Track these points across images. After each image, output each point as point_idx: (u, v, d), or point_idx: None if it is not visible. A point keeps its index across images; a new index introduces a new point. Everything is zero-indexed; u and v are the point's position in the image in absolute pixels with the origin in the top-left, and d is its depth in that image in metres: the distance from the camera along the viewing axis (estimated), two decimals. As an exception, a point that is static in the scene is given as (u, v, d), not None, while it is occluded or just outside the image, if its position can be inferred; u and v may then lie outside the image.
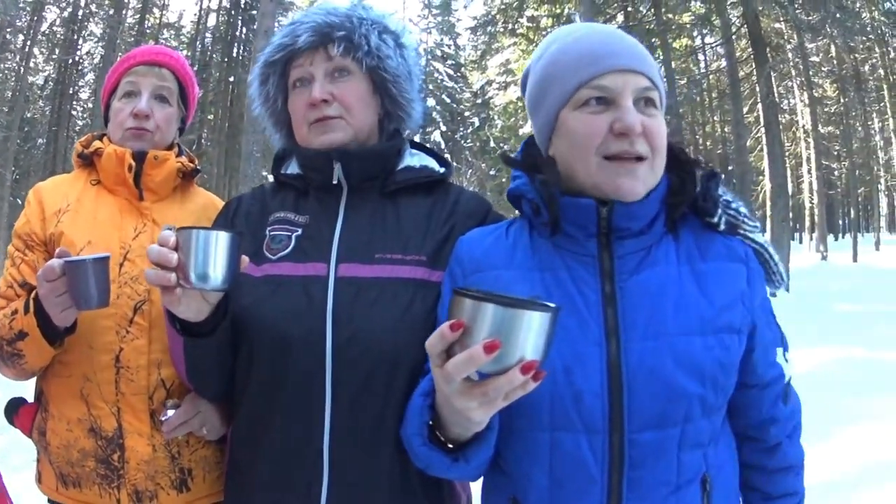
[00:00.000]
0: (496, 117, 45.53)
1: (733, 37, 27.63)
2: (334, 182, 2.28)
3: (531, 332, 1.40)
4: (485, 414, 1.53)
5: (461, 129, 47.53)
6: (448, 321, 1.45)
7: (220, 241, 1.89)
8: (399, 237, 2.23)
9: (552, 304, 1.45)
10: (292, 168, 2.43)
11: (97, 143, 2.71)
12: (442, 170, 2.40)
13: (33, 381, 2.66)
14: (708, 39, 34.62)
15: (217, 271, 1.88)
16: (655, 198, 1.84)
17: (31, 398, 2.65)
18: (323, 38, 2.26)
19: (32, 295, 2.34)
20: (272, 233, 2.31)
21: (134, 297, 2.48)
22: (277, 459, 2.15)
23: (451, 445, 1.75)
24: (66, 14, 40.98)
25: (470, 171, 49.06)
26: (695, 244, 1.91)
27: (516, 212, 2.09)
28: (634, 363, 1.74)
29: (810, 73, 40.13)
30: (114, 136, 2.72)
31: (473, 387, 1.47)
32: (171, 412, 2.40)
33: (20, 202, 38.28)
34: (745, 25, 25.52)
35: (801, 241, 56.28)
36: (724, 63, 30.73)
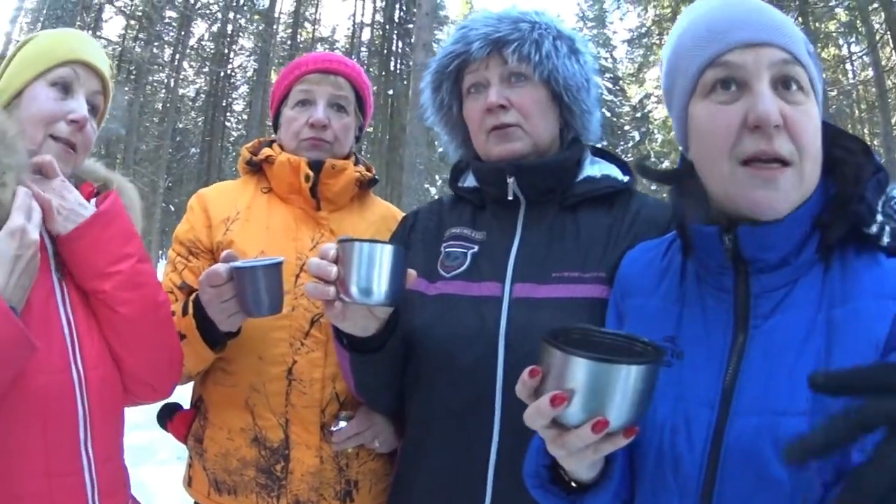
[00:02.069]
0: (656, 131, 44.27)
1: (878, 45, 26.86)
2: (510, 198, 2.21)
3: (613, 386, 1.31)
4: (574, 464, 1.46)
5: (621, 142, 46.17)
6: (530, 367, 1.39)
7: (385, 255, 1.85)
8: (577, 253, 2.11)
9: (657, 350, 1.38)
10: (469, 181, 2.38)
11: (267, 150, 2.66)
12: (625, 178, 2.26)
13: (189, 386, 2.62)
14: (854, 48, 33.63)
15: (381, 286, 1.84)
16: (800, 218, 1.48)
17: (186, 404, 2.66)
18: (497, 44, 2.19)
19: (192, 297, 2.30)
20: (447, 249, 2.26)
21: (311, 309, 2.43)
22: (439, 483, 2.10)
23: (574, 485, 1.60)
24: (214, 28, 41.81)
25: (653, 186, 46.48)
26: (841, 277, 1.49)
27: None
28: (733, 439, 1.46)
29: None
30: (287, 145, 2.66)
31: (557, 437, 1.38)
32: (343, 423, 2.38)
33: (172, 208, 39.46)
34: (889, 32, 24.82)
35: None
36: (871, 73, 29.76)
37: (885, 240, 1.45)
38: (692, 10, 1.61)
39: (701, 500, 1.47)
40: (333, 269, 1.86)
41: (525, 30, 2.18)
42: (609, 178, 2.25)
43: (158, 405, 2.59)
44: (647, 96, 44.55)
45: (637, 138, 46.50)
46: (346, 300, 1.87)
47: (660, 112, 41.42)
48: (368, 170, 2.77)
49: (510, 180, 2.19)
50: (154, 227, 33.57)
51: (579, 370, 1.30)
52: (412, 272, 1.95)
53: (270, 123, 2.90)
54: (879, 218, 1.46)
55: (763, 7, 1.52)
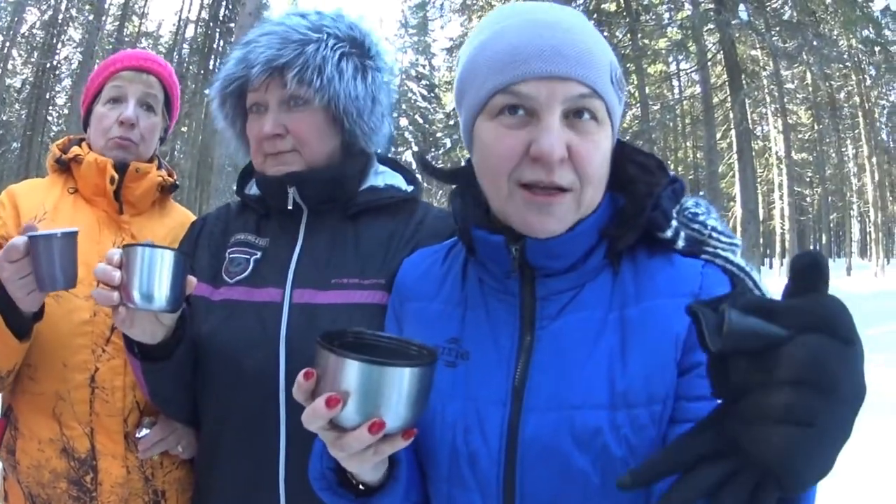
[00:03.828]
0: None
1: (709, 63, 27.89)
2: (290, 207, 2.20)
3: (388, 388, 1.30)
4: (356, 466, 1.43)
5: (433, 149, 47.24)
6: (304, 369, 1.34)
7: (165, 261, 1.83)
8: (357, 261, 2.14)
9: (429, 352, 1.38)
10: (254, 189, 2.37)
11: (76, 149, 2.61)
12: (409, 188, 2.31)
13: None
14: (683, 65, 34.95)
15: (161, 292, 1.83)
16: (586, 230, 1.52)
17: None
18: (277, 69, 2.12)
19: None
20: (231, 255, 2.26)
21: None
22: (234, 491, 2.10)
23: (362, 487, 1.57)
24: (46, 17, 40.71)
25: (441, 192, 48.53)
26: (633, 279, 1.55)
27: None
28: (529, 435, 1.47)
29: (785, 99, 40.57)
30: (95, 144, 2.61)
31: (336, 439, 1.34)
32: (146, 430, 2.35)
33: None
34: (721, 52, 25.76)
35: (771, 267, 56.69)
36: (698, 89, 31.01)
37: (681, 244, 1.53)
38: (496, 22, 1.55)
39: (504, 495, 1.49)
40: (117, 275, 1.83)
41: (309, 53, 2.12)
42: (393, 188, 2.28)
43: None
44: None
45: (449, 145, 47.78)
46: (129, 306, 1.84)
47: None
48: (170, 175, 2.75)
49: (291, 190, 2.18)
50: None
51: (352, 372, 1.29)
52: (192, 279, 1.93)
53: (81, 121, 2.79)
54: (674, 224, 1.53)
55: (570, 35, 1.47)
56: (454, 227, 1.88)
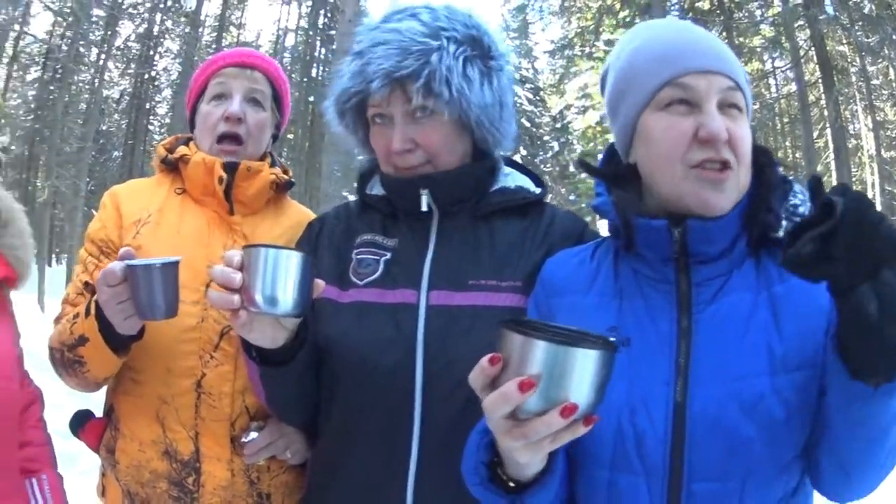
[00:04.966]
0: (575, 142, 44.34)
1: (802, 60, 27.56)
2: (423, 209, 2.15)
3: (579, 371, 1.30)
4: (530, 456, 1.43)
5: (541, 153, 46.84)
6: (489, 354, 1.38)
7: (291, 262, 1.78)
8: (493, 262, 2.12)
9: (610, 340, 1.37)
10: (378, 188, 2.32)
11: (183, 149, 2.55)
12: (538, 190, 2.28)
13: (101, 392, 2.56)
14: (778, 63, 34.47)
15: (287, 295, 1.77)
16: (734, 216, 1.69)
17: (98, 410, 2.54)
18: (399, 82, 2.06)
19: (95, 297, 2.15)
20: (359, 256, 2.21)
21: (221, 321, 2.33)
22: (357, 493, 2.08)
23: (512, 484, 1.59)
24: (140, 30, 41.32)
25: (549, 195, 46.09)
26: (773, 262, 1.72)
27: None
28: (698, 410, 1.60)
29: (872, 96, 39.72)
30: (202, 142, 2.57)
31: (515, 426, 1.36)
32: (254, 435, 2.32)
33: (95, 212, 39.20)
34: (813, 48, 25.50)
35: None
36: (794, 87, 30.54)
37: None
38: (647, 31, 1.82)
39: (670, 475, 1.60)
40: (238, 277, 1.79)
41: (434, 63, 2.04)
42: (523, 190, 2.25)
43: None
44: (568, 107, 44.70)
45: (556, 148, 46.80)
46: (251, 310, 1.79)
47: (580, 123, 41.58)
48: (285, 172, 2.66)
49: (424, 192, 2.14)
50: (76, 231, 33.15)
51: (544, 354, 1.29)
52: (320, 282, 1.89)
53: (187, 121, 2.77)
54: (784, 224, 1.70)
55: (712, 38, 1.78)
56: (582, 227, 2.22)
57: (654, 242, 1.71)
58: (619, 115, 1.80)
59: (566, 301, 1.84)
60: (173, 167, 2.57)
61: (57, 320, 2.41)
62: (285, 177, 2.62)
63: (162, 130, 46.80)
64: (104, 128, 45.13)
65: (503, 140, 2.21)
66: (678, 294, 1.70)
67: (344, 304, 2.13)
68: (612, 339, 1.36)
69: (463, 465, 1.68)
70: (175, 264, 1.99)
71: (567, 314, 1.75)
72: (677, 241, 1.68)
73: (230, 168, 2.45)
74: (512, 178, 2.28)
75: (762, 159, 1.75)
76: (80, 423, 2.49)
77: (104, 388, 2.52)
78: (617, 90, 1.81)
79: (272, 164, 2.63)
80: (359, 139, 2.31)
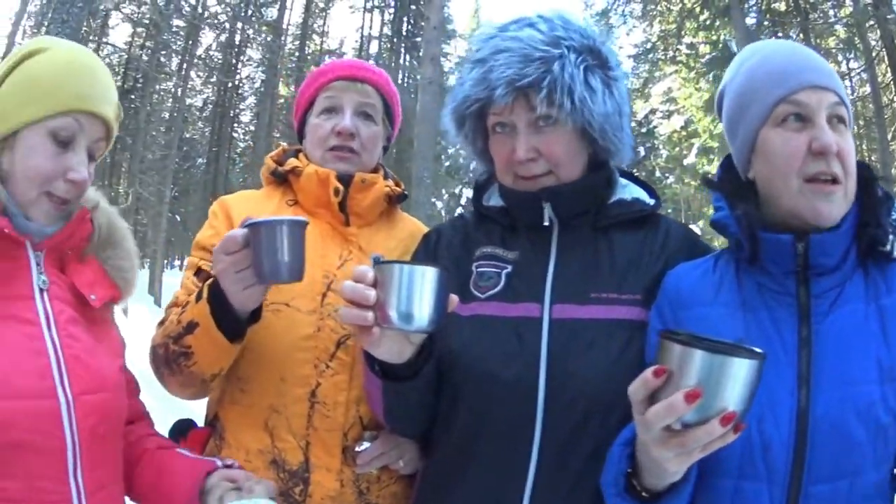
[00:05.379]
0: (661, 147, 43.90)
1: (874, 61, 27.05)
2: (545, 223, 2.17)
3: (737, 380, 1.37)
4: (680, 465, 1.52)
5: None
6: (653, 366, 1.45)
7: (427, 278, 1.76)
8: (613, 275, 2.12)
9: (759, 350, 1.43)
10: (495, 199, 2.33)
11: (293, 161, 2.55)
12: (652, 202, 2.28)
13: (202, 402, 2.56)
14: (853, 65, 33.68)
15: (423, 311, 1.75)
16: (848, 228, 1.80)
17: (199, 420, 2.55)
18: (522, 90, 2.09)
19: (208, 282, 2.14)
20: (479, 269, 2.22)
21: (338, 330, 2.33)
22: (472, 501, 2.08)
23: (645, 494, 1.69)
24: (222, 38, 41.68)
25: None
26: (881, 275, 1.84)
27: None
28: (820, 414, 1.69)
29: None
30: (313, 155, 2.57)
31: (672, 436, 1.44)
32: (367, 444, 2.31)
33: (178, 218, 39.46)
34: (884, 49, 25.08)
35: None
36: (868, 89, 29.91)
37: None
38: (761, 51, 1.94)
39: (790, 479, 1.69)
40: (372, 293, 1.78)
41: (556, 72, 2.06)
42: (639, 202, 2.27)
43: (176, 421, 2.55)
44: (653, 112, 44.07)
45: (642, 154, 45.59)
46: (384, 326, 1.79)
47: (665, 128, 40.86)
48: (397, 184, 2.68)
49: (546, 205, 2.16)
50: (160, 236, 33.76)
51: (705, 364, 1.37)
52: (454, 297, 1.88)
53: (294, 131, 2.80)
54: (891, 237, 1.82)
55: (818, 56, 1.90)
56: (695, 238, 2.29)
57: (778, 256, 1.81)
58: (739, 132, 1.91)
59: (693, 313, 1.92)
60: (283, 179, 2.59)
61: (161, 323, 2.38)
62: (398, 189, 2.64)
63: (246, 138, 47.34)
64: (188, 135, 45.48)
65: (623, 149, 2.24)
66: (799, 306, 1.82)
67: (465, 318, 2.13)
68: (753, 349, 1.43)
69: (603, 477, 1.79)
70: (303, 224, 1.96)
71: (695, 326, 1.75)
72: (801, 254, 1.78)
73: (345, 180, 2.47)
74: (629, 191, 2.30)
75: (866, 174, 1.87)
76: (182, 432, 2.50)
77: (204, 401, 2.54)
78: (735, 108, 1.93)
79: (385, 177, 2.65)
80: (476, 149, 2.35)
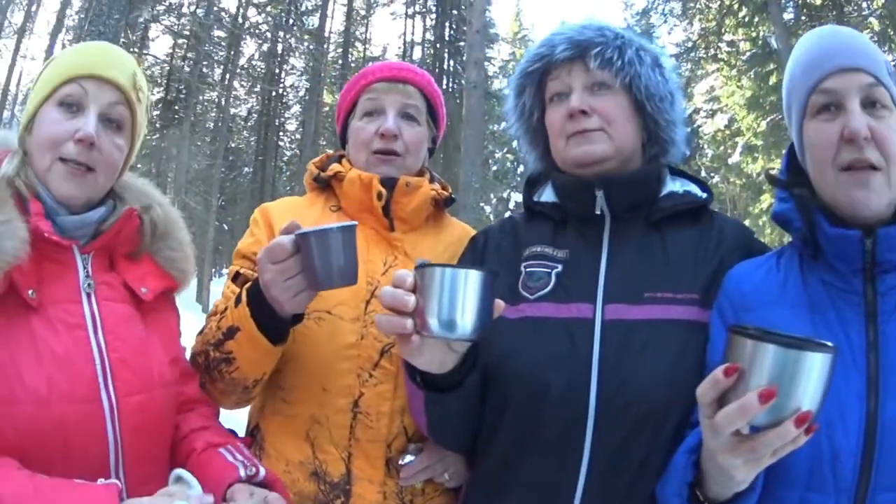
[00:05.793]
0: (706, 146, 42.95)
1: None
2: (597, 212, 2.12)
3: (812, 377, 1.30)
4: (748, 472, 1.45)
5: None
6: (723, 364, 1.37)
7: (471, 282, 1.65)
8: (668, 273, 2.05)
9: (830, 344, 1.35)
10: (546, 195, 2.29)
11: (336, 167, 2.50)
12: (704, 195, 2.23)
13: (244, 411, 2.52)
14: (889, 58, 33.41)
15: (466, 318, 1.65)
16: None
17: (239, 429, 2.45)
18: (580, 51, 2.13)
19: (247, 287, 2.12)
20: (528, 269, 2.15)
21: (382, 338, 2.26)
22: None
23: None
24: (264, 48, 41.86)
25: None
26: None
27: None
28: (889, 419, 1.60)
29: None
30: (356, 159, 2.51)
31: (742, 441, 1.38)
32: (411, 457, 2.26)
33: (226, 227, 39.66)
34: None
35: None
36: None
37: None
38: (801, 42, 1.90)
39: (857, 489, 1.60)
40: (412, 300, 1.68)
41: (609, 37, 2.14)
42: (690, 195, 2.21)
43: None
44: (697, 111, 43.19)
45: (687, 153, 45.61)
46: (424, 334, 1.70)
47: (709, 127, 40.51)
48: (444, 188, 2.62)
49: (599, 194, 2.11)
50: (207, 245, 33.99)
51: (777, 359, 1.31)
52: (500, 302, 1.78)
53: (338, 137, 2.76)
54: None
55: (854, 37, 1.83)
56: (750, 235, 2.22)
57: (845, 253, 1.73)
58: (792, 129, 1.88)
59: (757, 315, 1.81)
60: (326, 185, 2.56)
61: (200, 332, 2.35)
62: (445, 193, 2.58)
63: (292, 146, 47.54)
64: (233, 145, 45.77)
65: (675, 129, 2.23)
66: (865, 306, 1.72)
67: (514, 321, 2.06)
68: (824, 343, 1.36)
69: (665, 487, 1.74)
70: (353, 228, 1.91)
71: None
72: (869, 251, 1.70)
73: (388, 184, 2.41)
74: (680, 183, 2.26)
75: None
76: None
77: (246, 410, 2.51)
78: (786, 105, 1.91)
79: (431, 180, 2.61)
80: (530, 125, 2.33)
